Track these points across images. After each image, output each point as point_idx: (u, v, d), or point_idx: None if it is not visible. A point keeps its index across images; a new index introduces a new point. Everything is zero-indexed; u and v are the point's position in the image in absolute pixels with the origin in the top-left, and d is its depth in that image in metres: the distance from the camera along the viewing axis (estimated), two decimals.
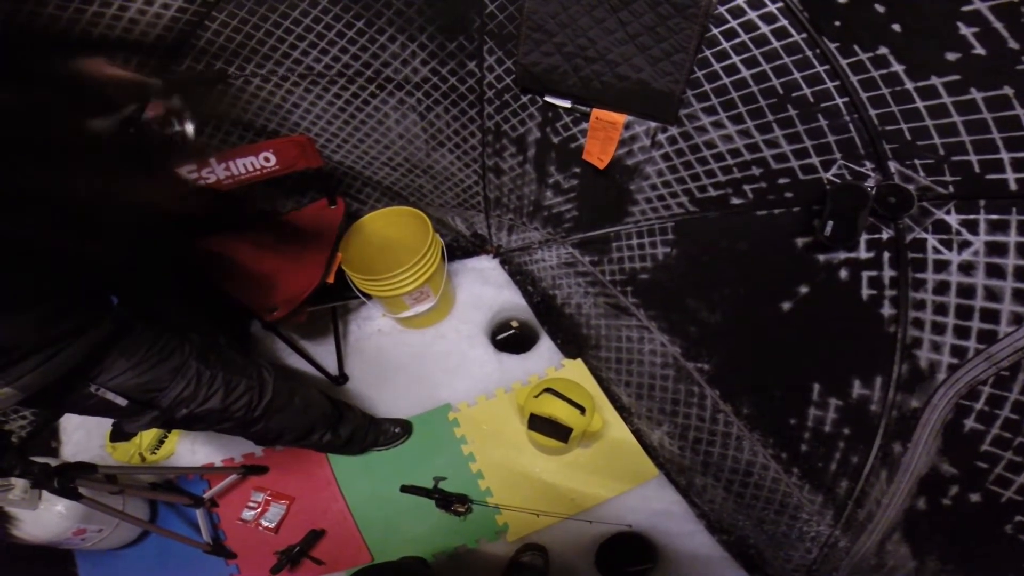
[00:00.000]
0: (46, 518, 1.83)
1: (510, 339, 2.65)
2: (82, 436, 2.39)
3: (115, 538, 2.08)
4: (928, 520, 1.19)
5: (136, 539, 2.18)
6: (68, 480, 1.56)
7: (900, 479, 1.22)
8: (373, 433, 2.19)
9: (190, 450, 2.31)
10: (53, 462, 1.67)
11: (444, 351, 2.47)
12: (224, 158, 1.91)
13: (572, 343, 2.40)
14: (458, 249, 2.67)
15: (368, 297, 2.33)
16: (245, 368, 1.56)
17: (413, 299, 2.29)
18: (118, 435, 2.32)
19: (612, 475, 2.14)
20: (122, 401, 1.28)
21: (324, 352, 2.46)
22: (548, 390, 2.04)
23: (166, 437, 2.37)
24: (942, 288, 1.05)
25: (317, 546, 2.11)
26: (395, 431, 2.25)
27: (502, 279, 2.62)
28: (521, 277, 2.58)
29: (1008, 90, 0.84)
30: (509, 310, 2.60)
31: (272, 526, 2.14)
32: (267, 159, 1.93)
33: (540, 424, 2.00)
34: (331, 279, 2.06)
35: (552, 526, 2.05)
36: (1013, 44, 0.81)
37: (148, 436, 2.32)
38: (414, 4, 1.67)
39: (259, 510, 2.18)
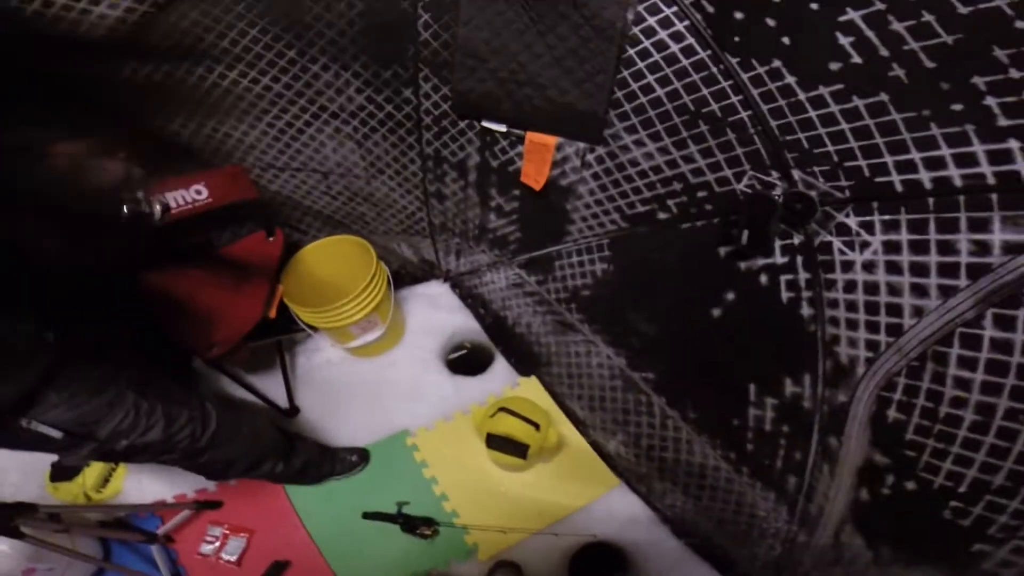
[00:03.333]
0: None
1: (464, 361, 2.65)
2: (18, 477, 2.28)
3: None
4: (873, 510, 1.23)
5: None
6: (8, 520, 1.52)
7: (840, 472, 1.27)
8: (329, 463, 2.18)
9: (137, 487, 2.22)
10: None
11: (398, 378, 2.46)
12: (152, 192, 1.87)
13: (525, 361, 2.43)
14: (407, 275, 2.68)
15: (314, 329, 2.31)
16: (187, 400, 1.55)
17: (360, 328, 2.29)
18: (59, 475, 2.22)
19: (575, 487, 2.16)
20: (57, 434, 1.25)
21: (272, 385, 2.42)
22: (502, 409, 2.07)
23: (111, 475, 2.28)
24: (850, 287, 1.11)
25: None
26: (352, 459, 2.23)
27: (454, 303, 2.64)
28: (472, 300, 2.60)
29: (884, 96, 0.90)
30: (462, 333, 2.62)
31: (234, 559, 2.09)
32: (198, 192, 1.87)
33: (498, 443, 2.04)
34: (272, 313, 2.04)
35: (522, 542, 2.05)
36: (884, 52, 0.87)
37: (92, 475, 2.22)
38: (347, 34, 1.69)
39: (218, 544, 2.12)
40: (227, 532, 2.15)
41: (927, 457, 1.06)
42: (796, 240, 1.18)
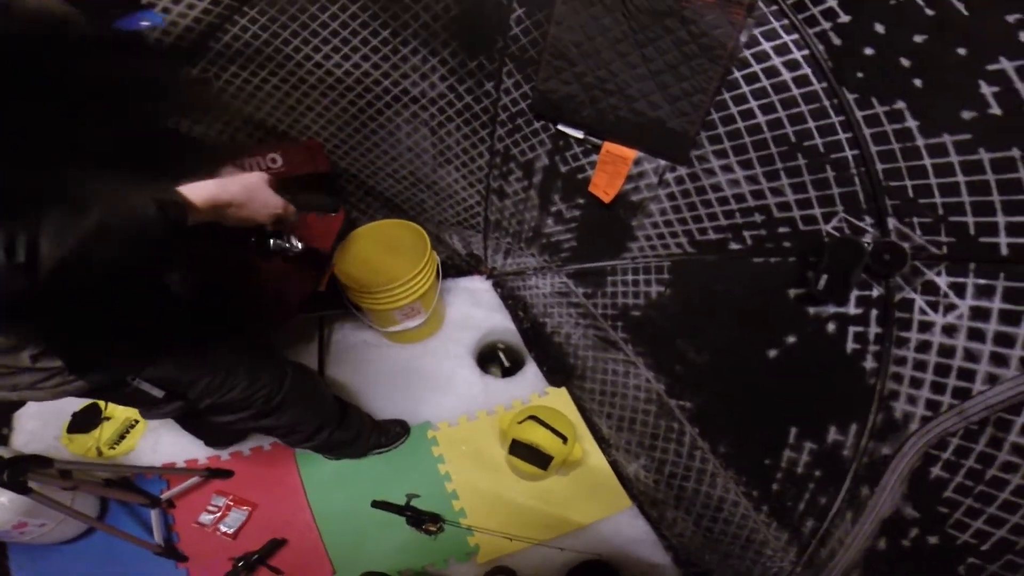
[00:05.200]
0: None
1: (494, 360, 2.64)
2: (37, 425, 2.30)
3: (58, 533, 1.98)
4: (886, 560, 1.21)
5: (80, 535, 2.08)
6: (19, 474, 1.53)
7: (864, 520, 1.25)
8: (376, 434, 2.18)
9: (152, 447, 2.24)
10: (4, 452, 1.66)
11: (429, 368, 2.46)
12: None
13: (558, 372, 2.41)
14: (452, 267, 2.68)
15: (358, 309, 2.32)
16: (268, 361, 1.60)
17: (403, 314, 2.29)
18: (78, 426, 2.24)
19: (586, 503, 2.13)
20: (159, 393, 1.30)
21: (305, 358, 2.42)
22: (532, 417, 2.05)
23: (128, 432, 2.30)
24: (924, 347, 1.08)
25: (277, 555, 2.04)
26: (397, 430, 2.24)
27: (494, 302, 2.63)
28: (513, 301, 2.59)
29: (1016, 152, 0.87)
30: (498, 333, 2.60)
31: (231, 532, 2.08)
32: (273, 160, 1.94)
33: (521, 450, 2.02)
34: (323, 287, 2.05)
35: (523, 551, 2.03)
36: None
37: (109, 429, 2.24)
38: (441, 19, 1.71)
39: (219, 515, 2.12)
40: (231, 503, 2.14)
41: (959, 515, 1.05)
42: (875, 292, 1.14)
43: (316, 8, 1.69)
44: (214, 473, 2.17)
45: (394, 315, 2.27)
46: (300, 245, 1.40)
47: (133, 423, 2.33)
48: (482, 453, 2.24)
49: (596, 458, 2.22)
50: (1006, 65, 0.83)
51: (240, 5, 1.68)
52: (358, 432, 2.07)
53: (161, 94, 1.27)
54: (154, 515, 2.01)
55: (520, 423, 2.07)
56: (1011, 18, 0.81)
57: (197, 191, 1.01)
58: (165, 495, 2.06)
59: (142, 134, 1.21)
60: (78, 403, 2.31)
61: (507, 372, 2.51)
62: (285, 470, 2.23)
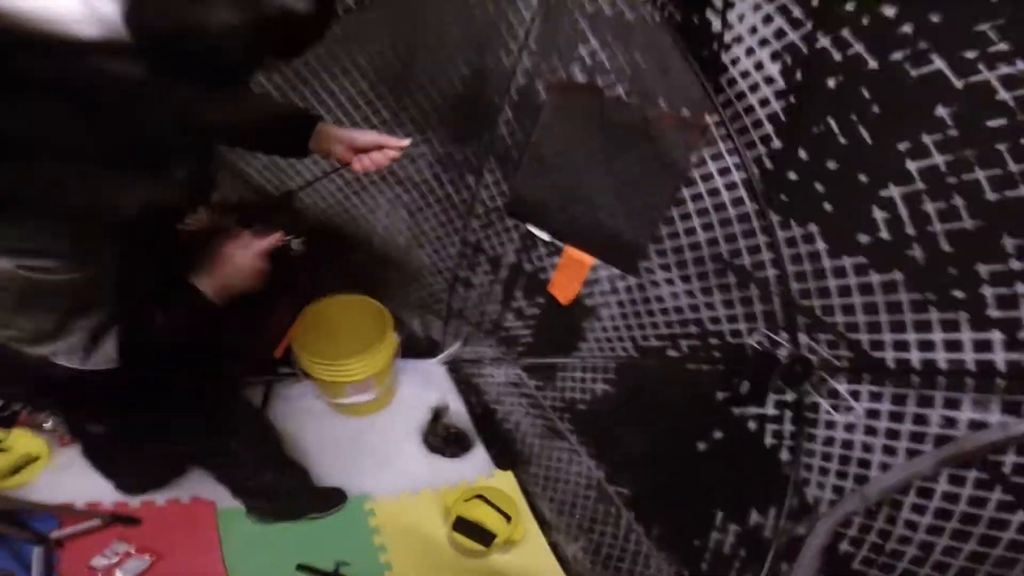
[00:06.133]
0: None
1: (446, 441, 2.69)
2: None
3: None
4: None
5: None
6: None
7: None
8: (314, 497, 2.19)
9: (50, 485, 2.12)
10: None
11: (374, 443, 2.50)
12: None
13: (506, 455, 2.47)
14: (408, 348, 2.76)
15: (306, 375, 2.36)
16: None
17: (355, 388, 2.36)
18: None
19: None
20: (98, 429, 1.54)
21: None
22: (480, 496, 2.11)
23: (26, 466, 2.19)
24: (829, 442, 1.27)
25: None
26: (334, 498, 2.25)
27: (446, 385, 2.72)
28: (466, 387, 2.68)
29: (898, 275, 1.06)
30: (448, 415, 2.65)
31: (126, 572, 1.92)
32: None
33: (466, 527, 2.08)
34: (279, 354, 2.11)
35: None
36: (910, 230, 1.02)
37: (2, 460, 2.15)
38: (438, 108, 1.88)
39: (116, 560, 1.95)
40: (131, 551, 2.00)
41: None
42: (789, 397, 1.33)
43: (327, 75, 1.85)
44: (118, 519, 2.03)
45: (346, 388, 2.33)
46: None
47: (33, 458, 2.21)
48: (422, 528, 2.24)
49: (536, 539, 2.25)
50: (894, 191, 1.02)
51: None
52: (299, 485, 2.09)
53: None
54: (36, 552, 1.86)
55: (467, 501, 2.14)
56: (902, 146, 0.99)
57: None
58: (55, 534, 1.94)
59: None
60: None
61: (454, 453, 2.55)
62: (202, 526, 2.14)
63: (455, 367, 2.75)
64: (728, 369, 1.47)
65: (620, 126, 1.50)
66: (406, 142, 1.40)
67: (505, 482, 2.41)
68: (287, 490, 2.09)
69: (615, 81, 1.50)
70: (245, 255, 1.24)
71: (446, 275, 2.37)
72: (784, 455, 1.36)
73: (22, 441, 2.23)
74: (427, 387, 2.69)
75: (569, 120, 1.63)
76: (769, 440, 1.39)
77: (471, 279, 2.28)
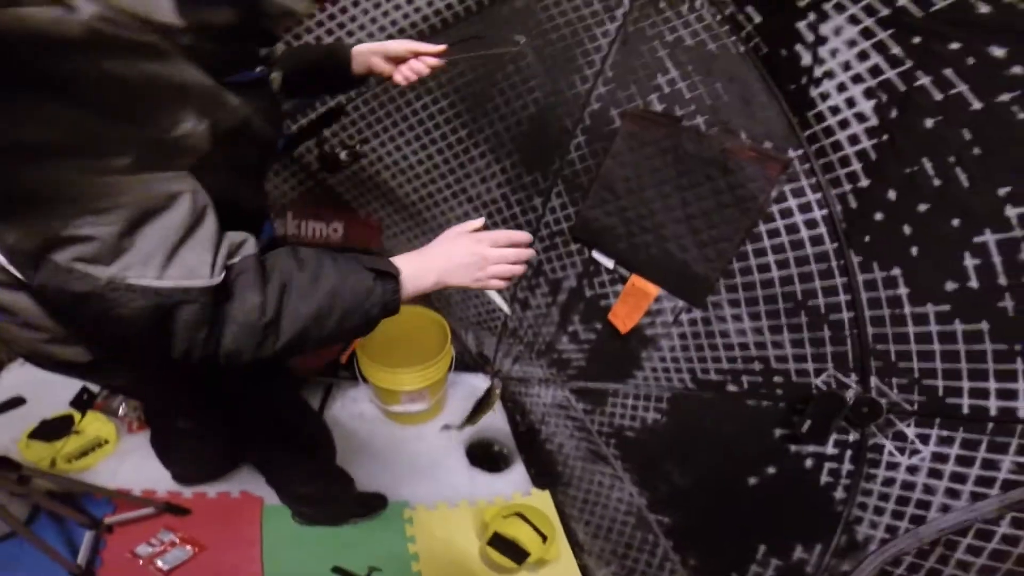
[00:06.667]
0: None
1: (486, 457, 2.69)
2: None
3: None
4: None
5: None
6: None
7: None
8: (357, 504, 2.23)
9: (112, 471, 2.22)
10: None
11: (419, 451, 2.53)
12: (300, 215, 2.11)
13: (545, 476, 2.46)
14: (460, 362, 2.79)
15: (364, 380, 2.42)
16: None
17: (409, 397, 2.40)
18: (41, 433, 2.28)
19: None
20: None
21: None
22: (518, 514, 2.10)
23: (93, 451, 2.30)
24: (889, 482, 1.24)
25: None
26: (376, 503, 2.28)
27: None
28: (512, 405, 2.69)
29: (984, 325, 1.04)
30: (492, 431, 2.66)
31: (165, 569, 1.97)
32: (335, 229, 2.14)
33: (500, 543, 2.07)
34: (344, 359, 2.15)
35: None
36: (1002, 280, 1.00)
37: (73, 443, 2.25)
38: (511, 132, 1.93)
39: (159, 549, 2.02)
40: (176, 540, 2.06)
41: None
42: (851, 437, 1.31)
43: (413, 95, 1.93)
44: (170, 508, 2.11)
45: (400, 396, 2.38)
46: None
47: (102, 442, 2.33)
48: (455, 540, 2.25)
49: (567, 560, 2.22)
50: (989, 238, 1.00)
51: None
52: (344, 492, 2.13)
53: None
54: (88, 536, 1.94)
55: (505, 517, 2.14)
56: (1002, 191, 0.97)
57: (420, 279, 1.05)
58: (109, 519, 2.02)
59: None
60: (50, 409, 2.34)
61: (494, 469, 2.55)
62: (247, 520, 2.20)
63: (504, 384, 2.74)
64: (790, 407, 1.45)
65: (696, 157, 1.50)
66: (441, 48, 1.41)
67: (542, 501, 2.39)
68: (333, 497, 2.14)
69: (694, 112, 1.51)
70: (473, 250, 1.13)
71: (505, 294, 2.39)
72: (839, 493, 1.34)
73: (95, 425, 2.35)
74: (474, 401, 2.69)
75: (642, 149, 1.64)
76: (825, 478, 1.36)
77: (529, 299, 2.29)
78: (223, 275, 0.82)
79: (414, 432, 2.60)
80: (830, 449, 1.35)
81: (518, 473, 2.51)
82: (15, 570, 1.93)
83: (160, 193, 0.76)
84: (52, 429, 2.27)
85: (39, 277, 0.74)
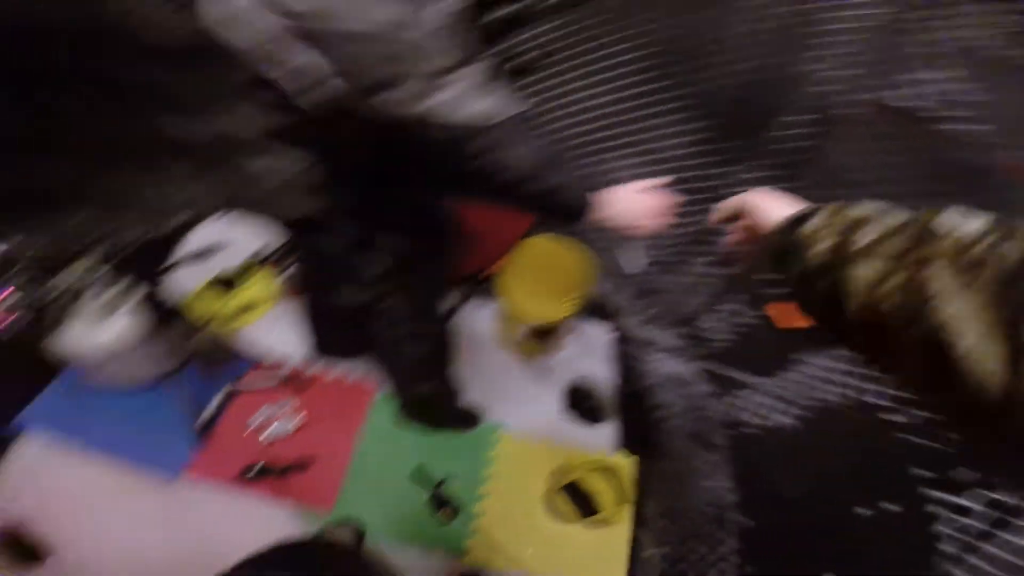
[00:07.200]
0: (92, 333, 1.89)
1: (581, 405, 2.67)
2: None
3: (121, 376, 2.11)
4: None
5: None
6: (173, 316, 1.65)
7: None
8: (459, 416, 2.31)
9: (259, 333, 2.35)
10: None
11: (522, 382, 2.55)
12: None
13: (636, 444, 2.40)
14: (589, 306, 2.74)
15: (495, 299, 2.43)
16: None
17: (533, 327, 2.41)
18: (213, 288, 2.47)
19: (586, 562, 2.10)
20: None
21: None
22: (607, 469, 2.09)
23: (248, 311, 2.46)
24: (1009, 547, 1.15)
25: (295, 473, 2.10)
26: (475, 417, 2.35)
27: (606, 353, 2.69)
28: (626, 362, 2.62)
29: None
30: (594, 382, 2.60)
31: (269, 438, 2.15)
32: None
33: (574, 492, 2.07)
34: (490, 271, 2.24)
35: (504, 572, 2.04)
36: None
37: (235, 299, 2.44)
38: (716, 94, 1.82)
39: (268, 420, 2.18)
40: (285, 414, 2.20)
41: None
42: (1003, 497, 1.21)
43: (606, 32, 1.83)
44: (293, 380, 2.27)
45: (526, 323, 2.37)
46: None
47: (260, 303, 2.50)
48: (527, 476, 2.27)
49: (622, 529, 2.18)
50: None
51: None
52: (451, 401, 2.20)
53: None
54: (217, 397, 2.15)
55: (591, 470, 2.13)
56: None
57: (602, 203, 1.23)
58: (237, 384, 2.18)
59: None
60: (230, 259, 2.56)
61: (585, 418, 2.53)
62: (355, 407, 2.33)
63: (625, 340, 2.70)
64: (954, 454, 1.33)
65: (954, 165, 1.37)
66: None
67: (625, 465, 2.32)
68: (441, 402, 2.20)
69: (960, 117, 1.35)
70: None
71: (657, 253, 2.31)
72: (950, 547, 1.25)
73: (260, 284, 2.52)
74: (589, 349, 2.68)
75: (880, 142, 1.53)
76: (944, 529, 1.28)
77: (682, 266, 2.20)
78: None
79: (525, 362, 2.61)
80: (966, 502, 1.26)
81: (609, 430, 2.46)
82: (148, 415, 2.13)
83: None
84: (223, 283, 2.46)
85: None
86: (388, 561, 1.84)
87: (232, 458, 2.09)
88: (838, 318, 0.55)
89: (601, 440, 2.43)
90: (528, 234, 2.33)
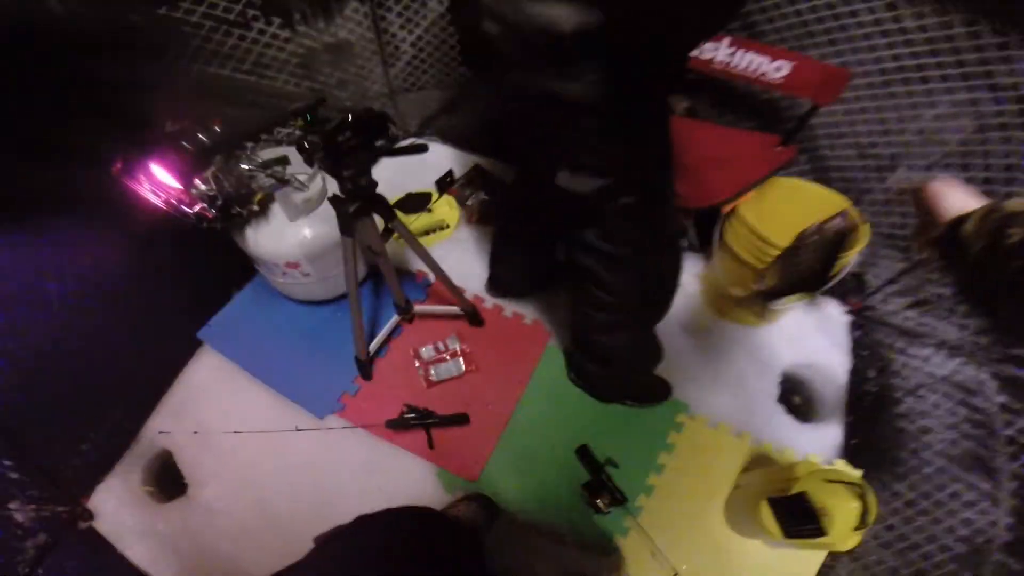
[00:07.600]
0: (286, 235, 1.80)
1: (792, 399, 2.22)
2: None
3: (305, 289, 2.06)
4: None
5: (306, 303, 2.18)
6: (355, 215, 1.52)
7: None
8: (642, 384, 2.00)
9: (440, 256, 2.05)
10: None
11: (727, 359, 2.14)
12: (737, 43, 1.82)
13: (871, 453, 1.93)
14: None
15: (720, 247, 2.03)
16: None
17: (760, 288, 1.90)
18: (408, 205, 2.47)
19: None
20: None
21: None
22: (850, 484, 1.58)
23: (433, 232, 2.45)
24: None
25: (447, 430, 1.92)
26: (660, 393, 2.02)
27: (840, 339, 2.19)
28: (869, 354, 2.13)
29: None
30: (817, 371, 2.15)
31: (435, 380, 2.02)
32: (778, 69, 1.78)
33: (795, 507, 1.53)
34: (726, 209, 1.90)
35: None
36: None
37: (422, 221, 2.43)
38: None
39: (439, 356, 2.07)
40: (457, 352, 2.08)
41: None
42: None
43: None
44: (471, 315, 2.11)
45: (755, 279, 1.90)
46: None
47: (444, 226, 2.46)
48: (711, 469, 1.89)
49: (815, 555, 1.78)
50: None
51: None
52: (640, 368, 1.93)
53: None
54: (392, 320, 2.06)
55: (828, 482, 1.56)
56: None
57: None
58: (417, 308, 2.00)
59: None
60: (415, 183, 2.53)
61: (794, 414, 2.08)
62: (527, 354, 2.11)
63: (868, 326, 2.20)
64: None
65: None
66: None
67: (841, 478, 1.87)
68: (627, 366, 1.88)
69: None
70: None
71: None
72: None
73: (444, 209, 2.51)
74: (817, 330, 2.21)
75: None
76: None
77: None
78: None
79: (737, 334, 2.19)
80: None
81: (830, 434, 2.00)
82: (316, 349, 2.12)
83: None
84: (412, 202, 2.46)
85: None
86: (515, 549, 1.73)
87: (391, 399, 1.96)
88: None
89: (816, 444, 1.98)
90: (773, 173, 1.90)
